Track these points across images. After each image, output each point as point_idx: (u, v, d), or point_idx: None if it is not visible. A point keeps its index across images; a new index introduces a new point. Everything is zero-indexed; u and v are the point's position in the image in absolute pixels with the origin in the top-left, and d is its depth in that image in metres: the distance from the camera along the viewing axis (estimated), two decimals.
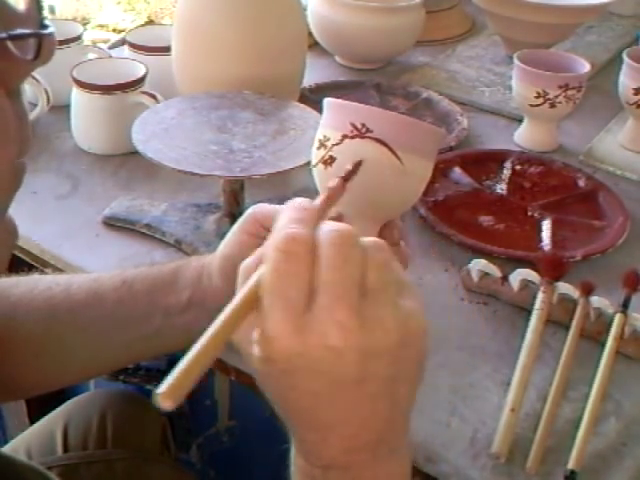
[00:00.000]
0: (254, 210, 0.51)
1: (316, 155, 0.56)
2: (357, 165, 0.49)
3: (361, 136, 0.52)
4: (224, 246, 0.53)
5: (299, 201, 0.40)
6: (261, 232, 0.50)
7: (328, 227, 0.38)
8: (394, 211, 0.55)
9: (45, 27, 0.30)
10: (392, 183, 0.52)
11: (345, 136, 0.53)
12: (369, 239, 0.38)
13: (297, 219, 0.38)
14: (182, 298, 0.54)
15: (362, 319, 0.35)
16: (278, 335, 0.35)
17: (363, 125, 0.52)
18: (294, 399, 0.37)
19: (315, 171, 0.56)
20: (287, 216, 0.38)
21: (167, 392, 0.32)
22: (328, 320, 0.35)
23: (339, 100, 0.55)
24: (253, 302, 0.36)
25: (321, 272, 0.36)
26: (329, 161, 0.54)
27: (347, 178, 0.47)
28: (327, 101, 0.56)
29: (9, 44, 0.29)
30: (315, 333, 0.35)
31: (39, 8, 0.30)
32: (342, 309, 0.35)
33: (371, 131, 0.52)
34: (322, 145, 0.55)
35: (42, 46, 0.30)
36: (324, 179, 0.56)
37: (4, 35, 0.28)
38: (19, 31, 0.29)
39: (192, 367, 0.33)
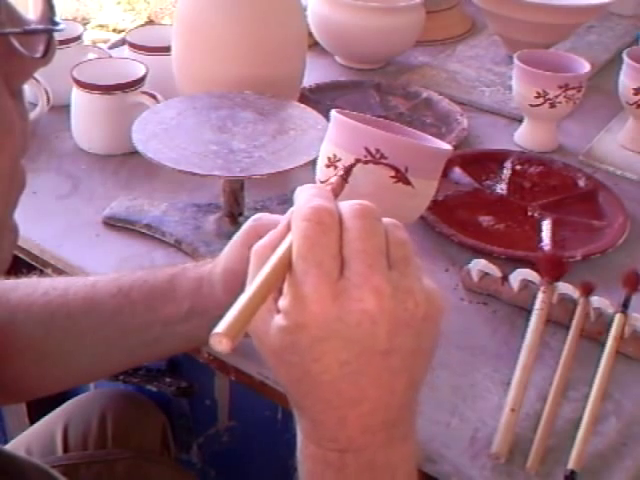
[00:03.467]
0: (254, 222, 0.49)
1: (325, 173, 0.55)
2: (352, 165, 0.50)
3: (375, 162, 0.52)
4: (226, 260, 0.52)
5: (310, 185, 0.41)
6: None
7: (349, 202, 0.39)
8: None
9: (57, 24, 0.30)
10: (402, 205, 0.53)
11: (358, 160, 0.53)
12: (386, 219, 0.40)
13: (319, 194, 0.39)
14: (182, 308, 0.54)
15: (394, 288, 0.36)
16: (315, 300, 0.35)
17: (377, 151, 0.52)
18: (318, 372, 0.37)
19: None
20: (308, 194, 0.39)
21: (225, 331, 0.32)
22: (364, 285, 0.36)
23: (350, 121, 0.54)
24: (285, 269, 0.37)
25: (350, 242, 0.37)
26: None
27: (346, 177, 0.48)
28: (337, 118, 0.55)
29: (15, 43, 0.29)
30: (352, 298, 0.36)
31: (51, 7, 0.30)
32: (376, 275, 0.36)
33: (385, 157, 0.52)
34: (332, 164, 0.55)
35: (50, 44, 0.30)
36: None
37: (19, 30, 0.28)
38: (34, 26, 0.29)
39: (243, 313, 0.33)
